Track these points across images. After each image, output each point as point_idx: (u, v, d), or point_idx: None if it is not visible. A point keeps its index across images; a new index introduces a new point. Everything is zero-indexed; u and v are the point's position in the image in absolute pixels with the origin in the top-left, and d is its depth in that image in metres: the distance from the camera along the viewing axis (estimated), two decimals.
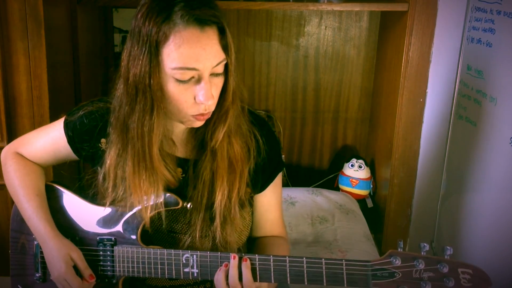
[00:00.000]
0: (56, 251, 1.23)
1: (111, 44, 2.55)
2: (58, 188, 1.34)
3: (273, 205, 1.35)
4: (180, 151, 1.26)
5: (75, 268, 1.24)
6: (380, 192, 2.51)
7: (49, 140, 1.33)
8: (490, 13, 1.89)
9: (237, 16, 2.57)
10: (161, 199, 1.21)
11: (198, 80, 1.10)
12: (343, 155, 2.74)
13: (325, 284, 1.11)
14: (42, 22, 1.80)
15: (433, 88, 2.22)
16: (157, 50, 1.08)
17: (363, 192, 2.52)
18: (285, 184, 2.61)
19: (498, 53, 1.85)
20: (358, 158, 2.54)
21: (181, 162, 1.25)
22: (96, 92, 2.36)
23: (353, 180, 2.51)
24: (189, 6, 1.06)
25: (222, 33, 1.09)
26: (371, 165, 2.59)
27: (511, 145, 1.76)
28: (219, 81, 1.13)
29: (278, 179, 1.33)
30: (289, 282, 1.14)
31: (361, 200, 2.51)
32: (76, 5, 2.08)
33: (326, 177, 2.72)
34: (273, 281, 1.14)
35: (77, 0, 2.08)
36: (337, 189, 2.57)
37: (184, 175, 1.25)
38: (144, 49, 1.08)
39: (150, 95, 1.11)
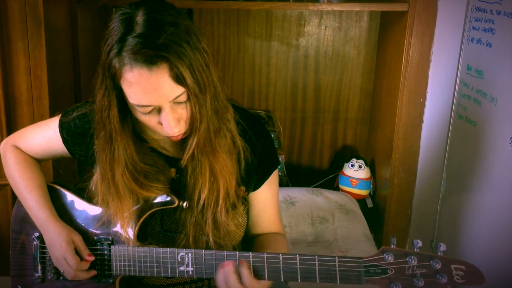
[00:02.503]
0: (58, 232, 1.24)
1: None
2: (57, 188, 1.35)
3: (269, 203, 1.35)
4: (172, 152, 1.27)
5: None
6: (380, 192, 2.51)
7: (45, 138, 1.34)
8: (490, 13, 1.89)
9: (237, 16, 2.57)
10: (158, 199, 1.21)
11: (160, 110, 1.09)
12: (343, 155, 2.74)
13: (318, 281, 1.11)
14: (42, 22, 1.80)
15: (433, 88, 2.22)
16: (114, 83, 1.09)
17: (363, 192, 2.52)
18: (285, 184, 2.61)
19: (498, 53, 1.85)
20: (358, 158, 2.54)
21: (174, 162, 1.25)
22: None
23: (353, 180, 2.51)
24: (137, 45, 1.02)
25: (172, 68, 1.03)
26: (371, 165, 2.59)
27: (511, 145, 1.76)
28: (184, 106, 1.10)
29: (274, 176, 1.33)
30: (282, 280, 1.14)
31: (361, 200, 2.51)
32: (76, 5, 2.08)
33: (326, 177, 2.72)
34: (266, 279, 1.14)
35: (77, 0, 2.09)
36: (337, 189, 2.57)
37: (178, 175, 1.25)
38: (103, 81, 1.10)
39: (109, 127, 1.14)
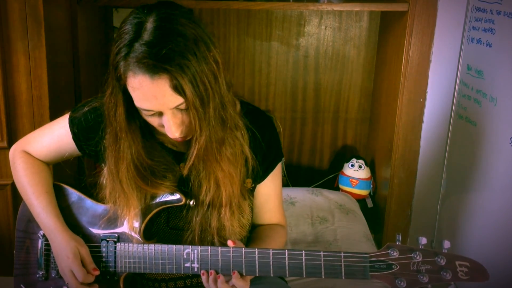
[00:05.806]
0: (65, 243, 1.24)
1: (111, 44, 2.55)
2: (64, 187, 1.36)
3: (272, 195, 1.36)
4: (181, 148, 1.27)
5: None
6: (380, 192, 2.51)
7: (55, 137, 1.34)
8: (490, 13, 1.90)
9: (237, 16, 2.57)
10: (165, 197, 1.21)
11: (161, 114, 1.11)
12: (343, 155, 2.74)
13: (323, 276, 1.12)
14: (42, 22, 1.79)
15: (433, 88, 2.22)
16: (120, 84, 1.10)
17: (363, 192, 2.52)
18: (285, 184, 2.61)
19: (498, 53, 1.86)
20: (358, 158, 2.54)
21: (183, 158, 1.25)
22: (96, 92, 2.36)
23: (353, 180, 2.51)
24: (141, 53, 1.03)
25: (173, 80, 1.04)
26: (371, 165, 2.59)
27: (511, 145, 1.76)
28: (185, 113, 1.11)
29: (278, 169, 1.34)
30: (288, 275, 1.14)
31: (361, 200, 2.51)
32: (76, 5, 2.08)
33: (326, 177, 2.72)
34: (272, 274, 1.15)
35: (77, 0, 2.08)
36: (337, 189, 2.57)
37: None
38: (111, 80, 1.12)
39: (115, 125, 1.15)
